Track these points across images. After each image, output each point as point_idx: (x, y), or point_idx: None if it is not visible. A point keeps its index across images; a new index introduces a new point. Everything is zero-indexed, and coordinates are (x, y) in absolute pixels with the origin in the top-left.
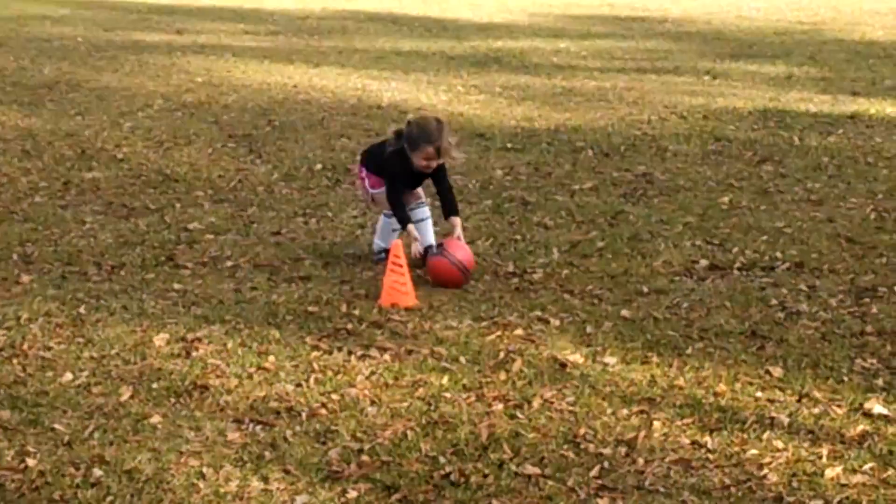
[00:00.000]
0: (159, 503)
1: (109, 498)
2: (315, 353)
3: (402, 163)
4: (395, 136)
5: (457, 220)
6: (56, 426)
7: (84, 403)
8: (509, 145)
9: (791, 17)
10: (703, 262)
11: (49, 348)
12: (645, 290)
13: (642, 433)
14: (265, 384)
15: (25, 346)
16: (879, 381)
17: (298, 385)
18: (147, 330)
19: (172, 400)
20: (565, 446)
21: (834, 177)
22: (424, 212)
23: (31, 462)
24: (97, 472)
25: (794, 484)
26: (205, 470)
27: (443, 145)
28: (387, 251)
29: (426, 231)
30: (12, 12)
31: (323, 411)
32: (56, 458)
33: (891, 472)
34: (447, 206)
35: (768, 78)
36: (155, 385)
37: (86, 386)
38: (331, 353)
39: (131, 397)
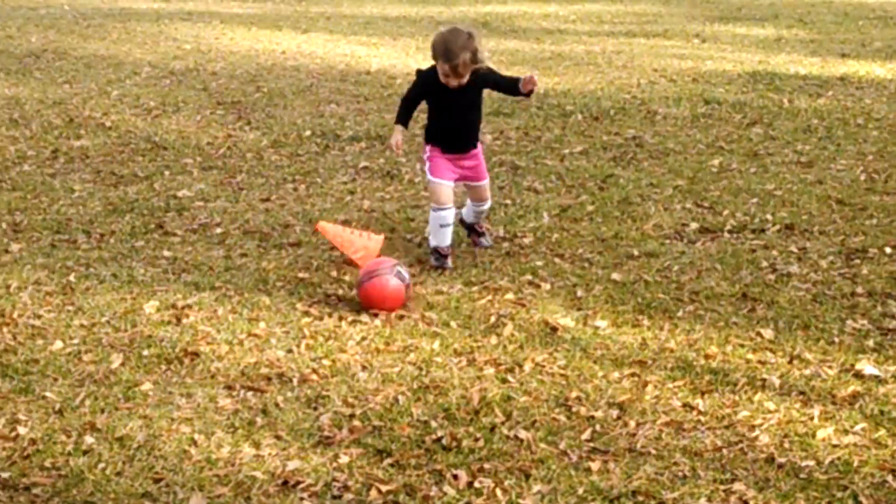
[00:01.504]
0: (151, 470)
1: (101, 465)
2: (306, 320)
3: (426, 75)
4: None
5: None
6: (47, 394)
7: (75, 371)
8: (499, 110)
9: None
10: (694, 225)
11: (39, 316)
12: (635, 253)
13: (634, 396)
14: (256, 350)
15: (15, 315)
16: (870, 342)
17: (289, 351)
18: (137, 297)
19: (163, 367)
20: (557, 410)
21: (824, 139)
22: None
23: (22, 430)
24: (89, 439)
25: (786, 445)
26: (196, 436)
27: (460, 62)
28: (439, 251)
29: (445, 235)
30: None
31: (314, 377)
32: (47, 425)
33: (882, 432)
34: (512, 83)
35: (757, 40)
36: (146, 352)
37: (76, 354)
38: (321, 318)
39: (122, 364)
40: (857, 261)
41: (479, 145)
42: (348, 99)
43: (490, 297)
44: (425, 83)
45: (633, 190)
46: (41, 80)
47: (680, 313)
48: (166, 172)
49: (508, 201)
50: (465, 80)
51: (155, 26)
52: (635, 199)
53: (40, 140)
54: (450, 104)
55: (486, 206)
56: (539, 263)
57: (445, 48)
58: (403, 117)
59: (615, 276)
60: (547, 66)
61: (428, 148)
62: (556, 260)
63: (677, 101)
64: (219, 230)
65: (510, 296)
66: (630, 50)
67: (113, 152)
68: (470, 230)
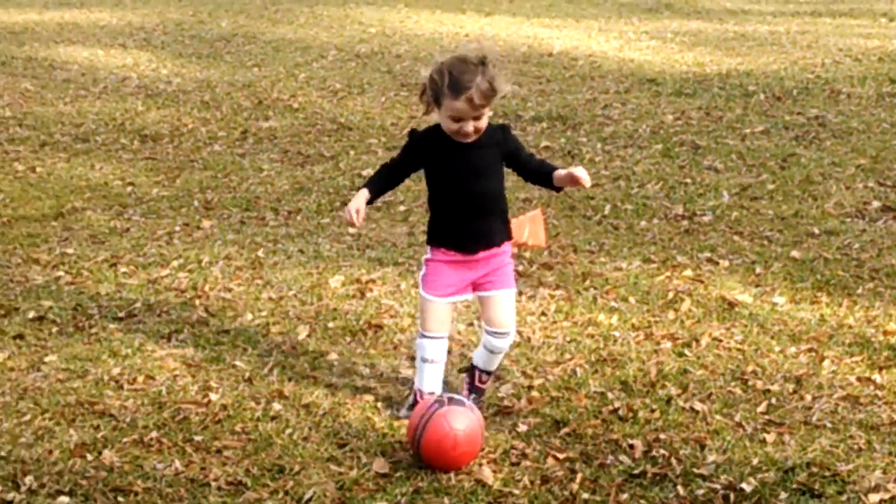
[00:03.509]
0: (336, 435)
1: (288, 430)
2: None
3: (421, 135)
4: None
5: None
6: (237, 363)
7: (263, 342)
8: (680, 90)
9: None
10: (876, 204)
11: (229, 290)
12: (816, 231)
13: (811, 370)
14: None
15: (207, 288)
16: None
17: (470, 324)
18: (322, 272)
19: (348, 339)
20: (733, 383)
21: None
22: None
23: (214, 396)
24: (276, 405)
25: None
26: (379, 404)
27: (475, 92)
28: (415, 395)
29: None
30: None
31: None
32: (237, 392)
33: None
34: (545, 170)
35: None
36: (331, 324)
37: (265, 325)
38: None
39: (308, 336)
40: None
41: (506, 244)
42: (530, 80)
43: (668, 274)
44: (422, 143)
45: (814, 169)
46: (231, 64)
47: (859, 290)
48: (351, 152)
49: (688, 180)
50: (484, 123)
51: (341, 10)
52: (817, 178)
53: (230, 121)
54: (458, 172)
55: (506, 340)
56: (718, 241)
57: (451, 79)
58: (374, 183)
59: (794, 253)
60: (730, 46)
61: (429, 249)
62: (735, 237)
63: (862, 80)
64: (402, 208)
65: (688, 272)
66: (815, 30)
67: (300, 133)
68: (470, 375)
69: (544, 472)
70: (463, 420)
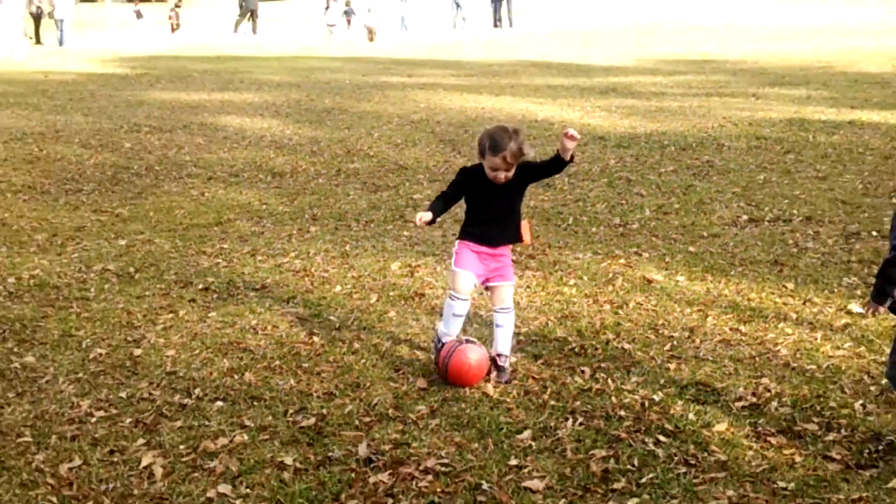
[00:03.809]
0: (393, 364)
1: (363, 360)
2: None
3: (470, 172)
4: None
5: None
6: (331, 318)
7: (348, 305)
8: (619, 144)
9: (811, 58)
10: (744, 217)
11: (327, 271)
12: (705, 234)
13: (699, 324)
14: None
15: (312, 269)
16: (858, 292)
17: (480, 294)
18: (387, 260)
19: (402, 302)
20: (649, 332)
21: (835, 161)
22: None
23: (315, 339)
24: (356, 345)
25: (798, 355)
26: (423, 344)
27: (508, 152)
28: (440, 338)
29: (454, 324)
30: (305, 65)
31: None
32: (331, 336)
33: (862, 348)
34: (551, 158)
35: (794, 98)
36: (391, 293)
37: (348, 294)
38: None
39: (376, 301)
40: (853, 240)
41: (508, 248)
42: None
43: (609, 262)
44: (468, 179)
45: (705, 195)
46: (331, 127)
47: (732, 272)
48: (406, 184)
49: (623, 202)
50: (512, 173)
51: (401, 93)
52: (707, 200)
53: (329, 163)
54: (491, 199)
55: (509, 315)
56: (642, 240)
57: (492, 141)
58: (436, 206)
59: (691, 248)
60: (653, 116)
61: (458, 243)
62: (653, 238)
63: (737, 137)
64: (438, 220)
65: (622, 261)
66: (708, 105)
67: (374, 171)
68: (492, 362)
69: (526, 387)
70: (475, 354)
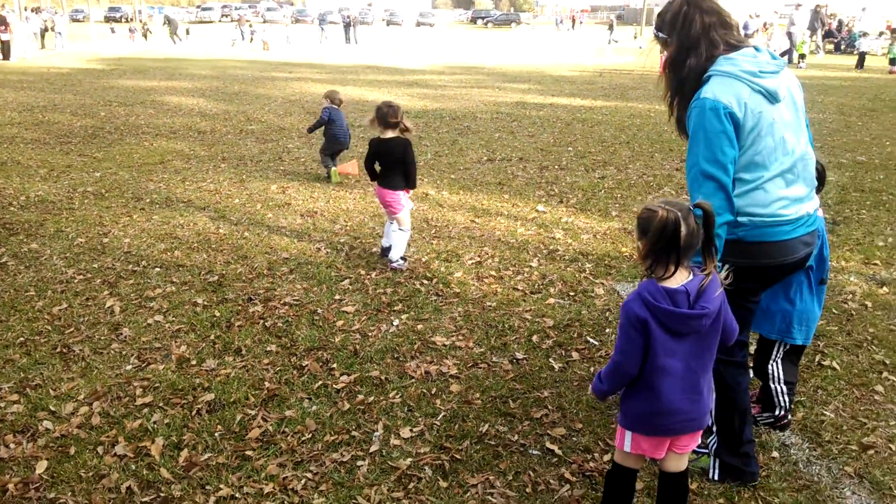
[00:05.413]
0: (270, 244)
1: (249, 243)
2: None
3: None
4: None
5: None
6: (231, 218)
7: (242, 210)
8: (417, 116)
9: (531, 68)
10: (485, 158)
11: (230, 191)
12: (461, 168)
13: (452, 218)
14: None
15: (220, 190)
16: (543, 199)
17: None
18: (268, 183)
19: (277, 209)
20: (421, 223)
21: (539, 126)
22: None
23: (221, 230)
24: (247, 234)
25: (506, 234)
26: (288, 235)
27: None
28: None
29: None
30: (222, 64)
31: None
32: (230, 229)
33: (542, 230)
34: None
35: (520, 89)
36: (270, 203)
37: (243, 204)
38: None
39: (260, 208)
40: (544, 171)
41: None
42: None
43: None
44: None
45: (464, 145)
46: (237, 103)
47: (475, 189)
48: (283, 139)
49: (416, 150)
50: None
51: (284, 83)
52: (464, 148)
53: (235, 126)
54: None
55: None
56: (425, 172)
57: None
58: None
59: (452, 176)
60: (438, 99)
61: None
62: (431, 171)
63: (485, 112)
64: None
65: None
66: (470, 93)
67: (264, 131)
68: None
69: (349, 255)
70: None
